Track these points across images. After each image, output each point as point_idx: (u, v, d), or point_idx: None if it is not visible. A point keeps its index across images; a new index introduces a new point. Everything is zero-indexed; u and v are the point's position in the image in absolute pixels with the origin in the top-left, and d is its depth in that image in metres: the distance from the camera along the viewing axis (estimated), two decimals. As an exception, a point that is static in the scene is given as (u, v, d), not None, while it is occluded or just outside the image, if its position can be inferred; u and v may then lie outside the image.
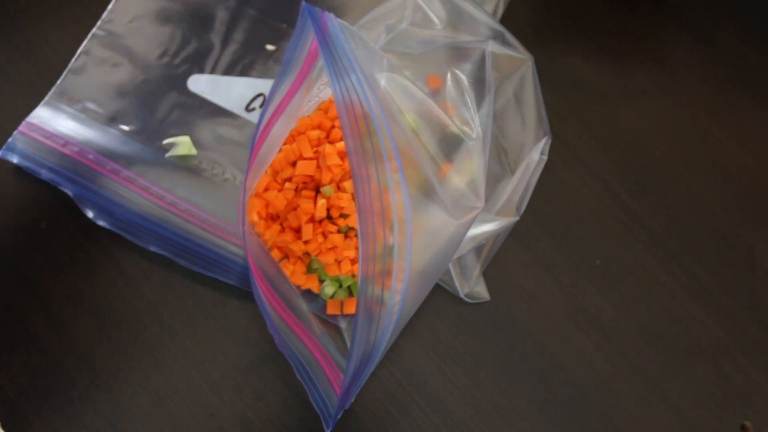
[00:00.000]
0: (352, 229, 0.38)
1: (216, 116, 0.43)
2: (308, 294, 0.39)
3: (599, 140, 0.45)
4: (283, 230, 0.38)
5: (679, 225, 0.43)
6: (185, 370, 0.39)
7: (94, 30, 0.44)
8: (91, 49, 0.44)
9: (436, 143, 0.34)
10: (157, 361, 0.39)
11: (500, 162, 0.40)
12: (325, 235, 0.37)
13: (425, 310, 0.40)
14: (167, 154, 0.42)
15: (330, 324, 0.38)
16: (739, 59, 0.47)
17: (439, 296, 0.41)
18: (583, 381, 0.40)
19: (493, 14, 0.46)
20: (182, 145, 0.42)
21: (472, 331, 0.40)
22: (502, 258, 0.41)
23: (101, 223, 0.40)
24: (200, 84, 0.44)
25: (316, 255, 0.37)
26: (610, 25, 0.47)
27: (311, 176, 0.37)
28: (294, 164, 0.38)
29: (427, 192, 0.32)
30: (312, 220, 0.37)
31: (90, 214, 0.40)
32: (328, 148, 0.37)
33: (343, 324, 0.39)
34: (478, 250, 0.40)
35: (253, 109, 0.43)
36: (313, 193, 0.37)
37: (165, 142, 0.42)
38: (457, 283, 0.40)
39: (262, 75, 0.44)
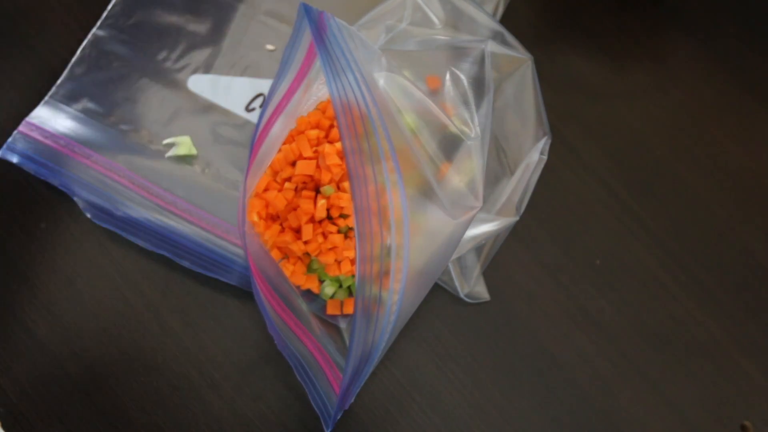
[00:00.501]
0: (352, 229, 0.38)
1: (216, 116, 0.43)
2: (308, 294, 0.39)
3: (599, 140, 0.45)
4: (283, 230, 0.38)
5: (679, 225, 0.43)
6: (185, 370, 0.39)
7: (94, 30, 0.44)
8: (91, 49, 0.44)
9: (435, 143, 0.34)
10: (157, 361, 0.39)
11: (500, 162, 0.40)
12: (325, 235, 0.37)
13: (425, 310, 0.40)
14: (167, 154, 0.42)
15: (330, 324, 0.38)
16: (739, 59, 0.47)
17: (439, 296, 0.41)
18: (583, 381, 0.39)
19: (493, 14, 0.46)
20: (182, 145, 0.42)
21: (472, 331, 0.40)
22: (502, 258, 0.41)
23: (101, 223, 0.40)
24: (200, 84, 0.44)
25: (316, 255, 0.37)
26: (610, 25, 0.47)
27: (311, 176, 0.37)
28: (293, 164, 0.38)
29: (425, 192, 0.32)
30: (312, 220, 0.37)
31: (90, 214, 0.40)
32: (327, 147, 0.37)
33: (342, 324, 0.39)
34: (478, 250, 0.40)
35: (253, 109, 0.43)
36: (313, 193, 0.37)
37: (165, 142, 0.42)
38: (457, 283, 0.40)
39: (262, 75, 0.44)
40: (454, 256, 0.38)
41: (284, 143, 0.38)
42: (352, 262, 0.38)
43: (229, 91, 0.44)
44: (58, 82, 0.43)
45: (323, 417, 0.35)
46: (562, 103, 0.45)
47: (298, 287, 0.39)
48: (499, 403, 0.39)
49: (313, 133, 0.37)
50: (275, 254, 0.38)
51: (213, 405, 0.38)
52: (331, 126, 0.38)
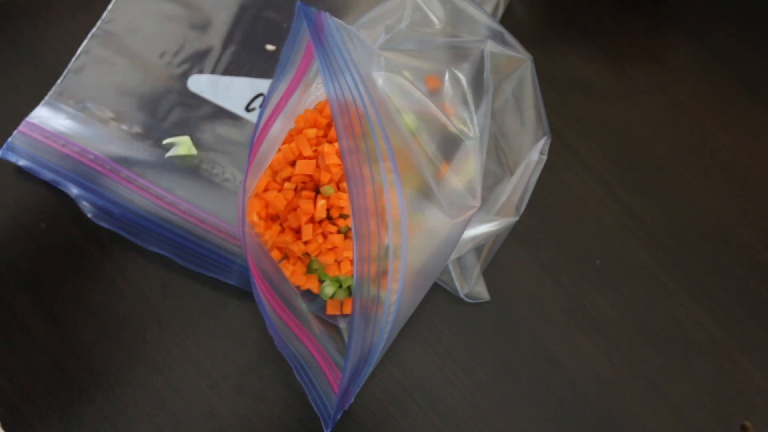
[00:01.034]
0: (351, 229, 0.38)
1: (216, 116, 0.43)
2: (308, 294, 0.39)
3: (599, 140, 0.45)
4: (282, 230, 0.38)
5: (679, 225, 0.43)
6: (185, 370, 0.39)
7: (94, 30, 0.44)
8: (91, 49, 0.44)
9: (434, 144, 0.34)
10: (157, 361, 0.39)
11: (499, 162, 0.40)
12: (324, 235, 0.37)
13: (425, 310, 0.40)
14: (167, 154, 0.42)
15: (330, 324, 0.38)
16: (739, 59, 0.47)
17: (439, 296, 0.41)
18: (583, 381, 0.39)
19: (493, 14, 0.46)
20: (182, 145, 0.42)
21: (472, 331, 0.40)
22: (502, 258, 0.41)
23: (101, 223, 0.40)
24: (200, 84, 0.44)
25: (316, 255, 0.37)
26: (610, 25, 0.47)
27: (310, 176, 0.37)
28: (293, 164, 0.38)
29: (423, 192, 0.32)
30: (312, 220, 0.37)
31: (90, 214, 0.40)
32: (326, 147, 0.36)
33: (342, 324, 0.39)
34: (478, 250, 0.40)
35: (253, 109, 0.43)
36: (312, 194, 0.37)
37: (165, 142, 0.42)
38: (457, 283, 0.40)
39: (262, 75, 0.44)
40: (454, 256, 0.38)
41: (283, 143, 0.38)
42: (352, 262, 0.38)
43: (229, 91, 0.44)
44: (58, 82, 0.43)
45: (323, 417, 0.35)
46: (562, 103, 0.45)
47: (297, 287, 0.39)
48: (499, 403, 0.39)
49: (312, 132, 0.37)
50: (275, 254, 0.38)
51: (213, 405, 0.38)
52: (329, 125, 0.38)
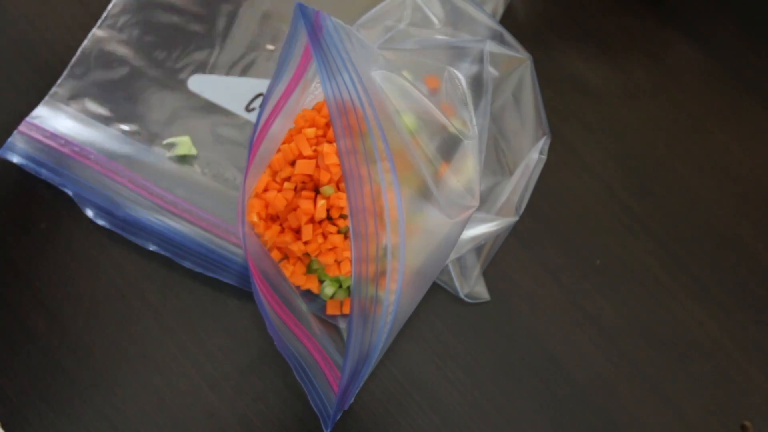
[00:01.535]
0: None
1: (216, 116, 0.43)
2: (308, 294, 0.39)
3: (599, 140, 0.45)
4: (282, 231, 0.38)
5: (679, 225, 0.43)
6: (185, 370, 0.39)
7: (94, 30, 0.44)
8: (90, 48, 0.44)
9: (434, 144, 0.34)
10: (157, 361, 0.39)
11: (499, 162, 0.40)
12: (324, 235, 0.37)
13: (425, 310, 0.40)
14: (167, 154, 0.42)
15: (329, 324, 0.38)
16: (739, 59, 0.47)
17: (439, 296, 0.41)
18: (583, 381, 0.39)
19: (493, 14, 0.46)
20: (182, 145, 0.42)
21: (472, 331, 0.40)
22: (502, 258, 0.41)
23: (101, 222, 0.40)
24: (200, 84, 0.44)
25: (316, 255, 0.37)
26: (610, 25, 0.47)
27: (310, 176, 0.37)
28: (293, 163, 0.38)
29: (422, 192, 0.32)
30: (312, 220, 0.37)
31: (90, 213, 0.40)
32: (326, 147, 0.36)
33: (342, 324, 0.39)
34: (478, 250, 0.40)
35: (253, 109, 0.43)
36: (312, 194, 0.37)
37: (165, 142, 0.42)
38: (457, 283, 0.40)
39: (262, 75, 0.44)
40: (454, 256, 0.38)
41: (283, 143, 0.38)
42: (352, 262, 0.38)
43: (229, 91, 0.44)
44: (58, 82, 0.43)
45: (322, 417, 0.35)
46: (562, 103, 0.45)
47: (297, 287, 0.39)
48: (499, 403, 0.39)
49: (311, 132, 0.37)
50: (275, 255, 0.38)
51: (213, 405, 0.38)
52: (329, 124, 0.38)
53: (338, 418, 0.34)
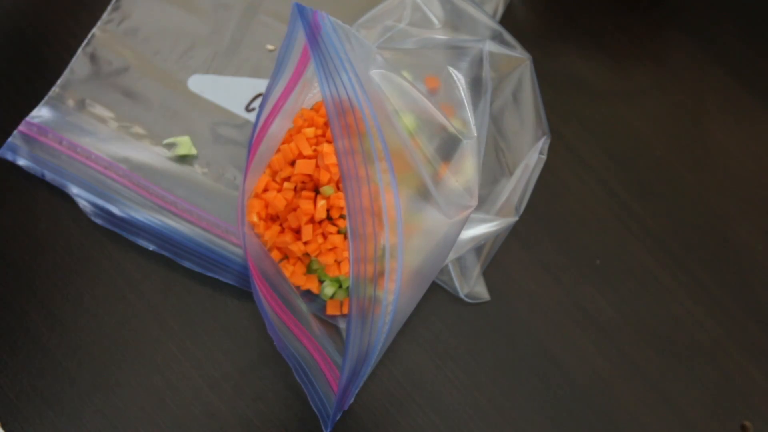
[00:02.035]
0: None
1: (216, 116, 0.43)
2: (308, 294, 0.39)
3: (599, 140, 0.44)
4: (282, 231, 0.38)
5: (679, 225, 0.43)
6: (185, 370, 0.39)
7: (94, 30, 0.44)
8: (91, 49, 0.44)
9: (433, 144, 0.34)
10: (157, 361, 0.39)
11: (499, 162, 0.40)
12: (324, 235, 0.37)
13: (425, 310, 0.40)
14: (167, 154, 0.42)
15: (329, 324, 0.38)
16: (739, 59, 0.47)
17: (439, 296, 0.41)
18: (583, 381, 0.39)
19: (493, 14, 0.46)
20: (182, 145, 0.42)
21: (472, 331, 0.40)
22: (502, 258, 0.41)
23: (101, 222, 0.40)
24: (200, 84, 0.44)
25: (316, 256, 0.37)
26: (610, 25, 0.47)
27: (310, 176, 0.37)
28: (293, 163, 0.38)
29: (421, 192, 0.32)
30: (312, 220, 0.37)
31: (90, 214, 0.40)
32: (326, 147, 0.36)
33: (342, 324, 0.39)
34: (478, 250, 0.40)
35: (253, 109, 0.43)
36: (312, 194, 0.37)
37: (165, 142, 0.42)
38: (457, 284, 0.40)
39: (262, 75, 0.44)
40: (454, 256, 0.38)
41: (282, 143, 0.38)
42: (352, 262, 0.38)
43: (229, 91, 0.44)
44: (58, 82, 0.43)
45: (322, 417, 0.35)
46: (562, 102, 0.45)
47: (297, 288, 0.39)
48: (499, 403, 0.39)
49: (311, 131, 0.37)
50: (275, 255, 0.38)
51: (213, 405, 0.38)
52: (327, 124, 0.38)
53: (338, 418, 0.34)
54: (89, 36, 0.44)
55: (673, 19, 0.48)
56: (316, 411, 0.35)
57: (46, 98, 0.43)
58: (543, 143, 0.38)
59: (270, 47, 0.45)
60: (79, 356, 0.39)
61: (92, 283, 0.40)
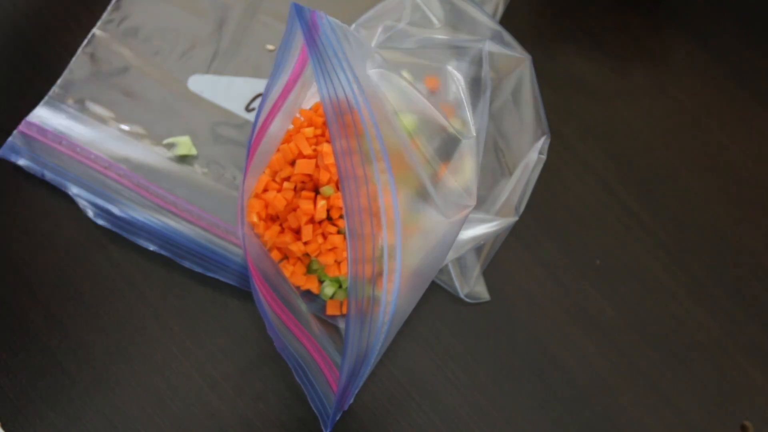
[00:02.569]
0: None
1: (216, 116, 0.43)
2: (308, 294, 0.39)
3: (599, 140, 0.44)
4: (282, 231, 0.38)
5: (679, 225, 0.43)
6: (185, 370, 0.39)
7: (94, 30, 0.44)
8: (91, 49, 0.44)
9: (433, 145, 0.34)
10: (157, 361, 0.39)
11: (499, 162, 0.40)
12: (324, 236, 0.37)
13: (425, 310, 0.40)
14: (167, 154, 0.42)
15: (329, 324, 0.38)
16: (739, 59, 0.47)
17: (439, 296, 0.41)
18: (583, 381, 0.39)
19: (493, 14, 0.46)
20: (182, 145, 0.42)
21: (472, 331, 0.40)
22: (502, 258, 0.41)
23: (101, 222, 0.40)
24: (200, 84, 0.44)
25: (316, 256, 0.37)
26: (610, 25, 0.47)
27: (310, 176, 0.37)
28: (292, 163, 0.38)
29: (419, 192, 0.32)
30: (312, 221, 0.37)
31: (90, 214, 0.40)
32: (326, 147, 0.36)
33: (342, 324, 0.39)
34: (478, 250, 0.40)
35: (253, 109, 0.43)
36: (312, 194, 0.37)
37: (165, 142, 0.42)
38: (457, 284, 0.40)
39: (262, 75, 0.44)
40: (454, 256, 0.38)
41: (282, 143, 0.38)
42: (352, 262, 0.38)
43: (229, 91, 0.44)
44: (58, 82, 0.43)
45: (322, 418, 0.35)
46: (562, 102, 0.45)
47: (297, 288, 0.39)
48: (499, 403, 0.39)
49: (310, 131, 0.37)
50: (275, 255, 0.38)
51: (213, 405, 0.38)
52: (326, 123, 0.38)
53: (338, 418, 0.34)
54: (89, 36, 0.44)
55: (673, 19, 0.48)
56: (316, 411, 0.35)
57: (46, 98, 0.43)
58: (543, 143, 0.38)
59: (270, 47, 0.45)
60: (79, 356, 0.39)
61: (92, 283, 0.40)
